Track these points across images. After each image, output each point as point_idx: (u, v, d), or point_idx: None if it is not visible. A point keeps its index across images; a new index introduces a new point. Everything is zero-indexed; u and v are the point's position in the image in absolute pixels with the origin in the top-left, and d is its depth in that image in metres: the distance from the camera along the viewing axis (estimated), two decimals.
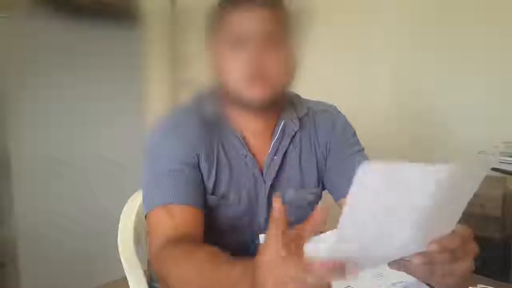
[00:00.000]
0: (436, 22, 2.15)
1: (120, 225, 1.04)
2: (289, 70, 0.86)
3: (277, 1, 0.87)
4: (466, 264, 0.58)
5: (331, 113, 1.01)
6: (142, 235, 1.02)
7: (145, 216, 0.86)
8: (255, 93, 0.83)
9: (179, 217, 0.80)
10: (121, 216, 1.05)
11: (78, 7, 1.92)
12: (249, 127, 0.91)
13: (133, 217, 1.04)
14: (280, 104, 0.93)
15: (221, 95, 0.90)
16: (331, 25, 2.12)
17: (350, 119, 1.04)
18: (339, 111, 1.03)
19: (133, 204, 1.05)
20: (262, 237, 0.85)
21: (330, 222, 0.95)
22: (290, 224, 0.96)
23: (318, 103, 1.02)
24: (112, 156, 2.05)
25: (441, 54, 2.16)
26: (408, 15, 2.25)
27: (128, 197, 1.08)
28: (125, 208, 1.06)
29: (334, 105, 1.04)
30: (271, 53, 0.83)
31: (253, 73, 0.82)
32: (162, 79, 2.31)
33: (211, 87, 0.92)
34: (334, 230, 0.46)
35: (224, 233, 0.91)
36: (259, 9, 0.83)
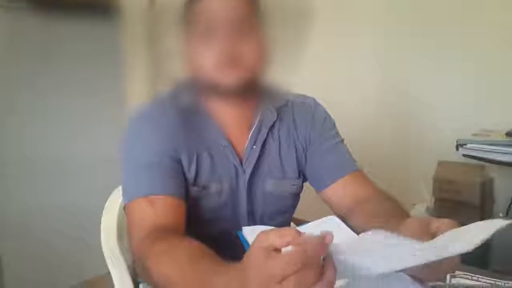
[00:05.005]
0: (421, 21, 2.17)
1: (103, 222, 1.03)
2: (261, 55, 0.87)
3: None
4: (455, 259, 0.61)
5: (310, 105, 1.01)
6: (125, 231, 1.02)
7: (124, 208, 0.86)
8: (228, 78, 0.84)
9: (160, 207, 0.80)
10: (103, 212, 1.04)
11: (57, 4, 1.89)
12: (227, 117, 0.92)
13: (115, 213, 1.04)
14: (257, 92, 0.94)
15: (197, 85, 0.90)
16: (317, 23, 2.12)
17: (333, 113, 1.04)
18: (319, 103, 1.03)
19: (115, 200, 1.05)
20: (245, 229, 0.85)
21: (314, 212, 0.97)
22: (271, 214, 0.97)
23: (297, 95, 1.03)
24: (95, 152, 2.03)
25: (423, 50, 2.19)
26: (394, 14, 2.27)
27: (111, 192, 1.07)
28: (106, 204, 1.06)
29: (314, 97, 1.05)
30: (242, 39, 0.83)
31: (225, 59, 0.82)
32: (142, 75, 2.29)
33: (188, 78, 0.92)
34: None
35: (207, 224, 0.91)
36: None
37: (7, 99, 1.85)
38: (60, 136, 2.00)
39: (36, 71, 1.89)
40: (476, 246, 0.50)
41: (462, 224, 0.63)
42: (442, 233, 0.61)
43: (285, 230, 0.51)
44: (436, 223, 0.63)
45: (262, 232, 0.52)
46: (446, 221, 0.63)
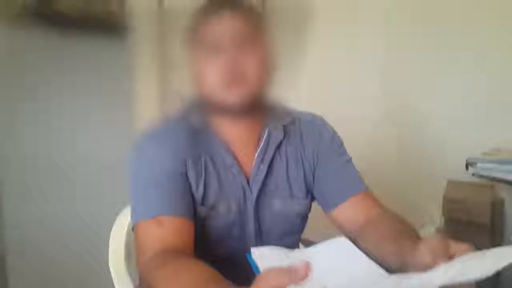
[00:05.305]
0: (424, 23, 2.17)
1: (111, 243, 1.03)
2: (266, 72, 0.88)
3: (248, 4, 0.89)
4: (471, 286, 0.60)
5: (317, 123, 1.01)
6: (133, 252, 1.02)
7: (132, 228, 0.85)
8: (233, 97, 0.85)
9: (168, 228, 0.80)
10: (112, 232, 1.04)
11: (64, 17, 1.92)
12: (234, 136, 0.92)
13: (123, 234, 1.04)
14: (263, 110, 0.94)
15: (204, 104, 0.91)
16: (320, 25, 2.15)
17: (336, 122, 1.04)
18: (326, 122, 1.03)
19: (123, 220, 1.05)
20: (253, 251, 0.85)
21: (323, 233, 0.96)
22: (279, 234, 0.96)
23: (304, 113, 1.02)
24: (103, 162, 2.03)
25: (429, 56, 2.19)
26: (396, 15, 2.28)
27: (120, 204, 1.07)
28: (115, 224, 1.06)
29: (321, 115, 1.04)
30: (245, 56, 0.84)
31: (229, 77, 0.83)
32: (151, 83, 2.30)
33: (195, 97, 0.93)
34: None
35: (214, 244, 0.90)
36: (230, 13, 0.85)
37: (10, 109, 1.86)
38: (68, 144, 2.00)
39: (39, 84, 1.90)
40: (495, 272, 0.50)
41: (476, 247, 0.62)
42: (459, 256, 0.60)
43: (280, 270, 0.52)
44: (454, 246, 0.63)
45: (260, 275, 0.54)
46: (464, 246, 0.63)
